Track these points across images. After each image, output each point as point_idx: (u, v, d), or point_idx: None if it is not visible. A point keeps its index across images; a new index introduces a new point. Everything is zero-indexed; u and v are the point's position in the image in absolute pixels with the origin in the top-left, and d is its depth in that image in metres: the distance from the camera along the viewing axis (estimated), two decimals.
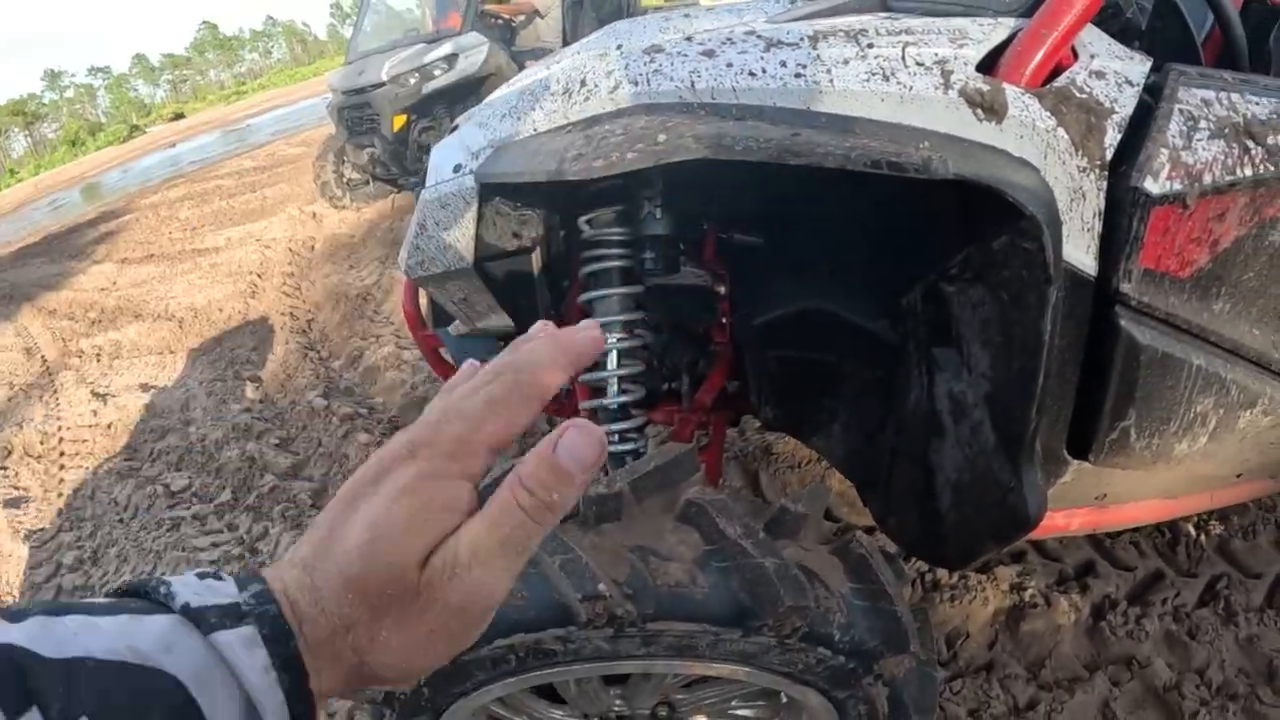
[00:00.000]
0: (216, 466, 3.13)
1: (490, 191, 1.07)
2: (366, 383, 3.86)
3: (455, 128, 1.29)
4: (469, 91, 5.73)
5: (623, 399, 1.23)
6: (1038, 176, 0.87)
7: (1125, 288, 1.00)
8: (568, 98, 1.02)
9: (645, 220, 1.18)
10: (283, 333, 4.57)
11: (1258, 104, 1.03)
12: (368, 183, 6.76)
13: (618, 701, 1.12)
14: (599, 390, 1.28)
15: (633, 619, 0.83)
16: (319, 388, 3.78)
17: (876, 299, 1.21)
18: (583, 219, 1.22)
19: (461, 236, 1.07)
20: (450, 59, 5.60)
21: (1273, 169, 1.01)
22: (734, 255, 1.40)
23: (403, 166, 6.08)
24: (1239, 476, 1.35)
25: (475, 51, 5.64)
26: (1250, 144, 1.01)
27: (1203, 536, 1.83)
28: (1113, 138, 0.97)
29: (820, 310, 1.28)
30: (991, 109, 0.94)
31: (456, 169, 1.07)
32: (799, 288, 1.30)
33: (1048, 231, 0.86)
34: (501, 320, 1.22)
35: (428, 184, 1.11)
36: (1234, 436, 1.20)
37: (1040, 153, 0.94)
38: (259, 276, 5.79)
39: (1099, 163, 0.96)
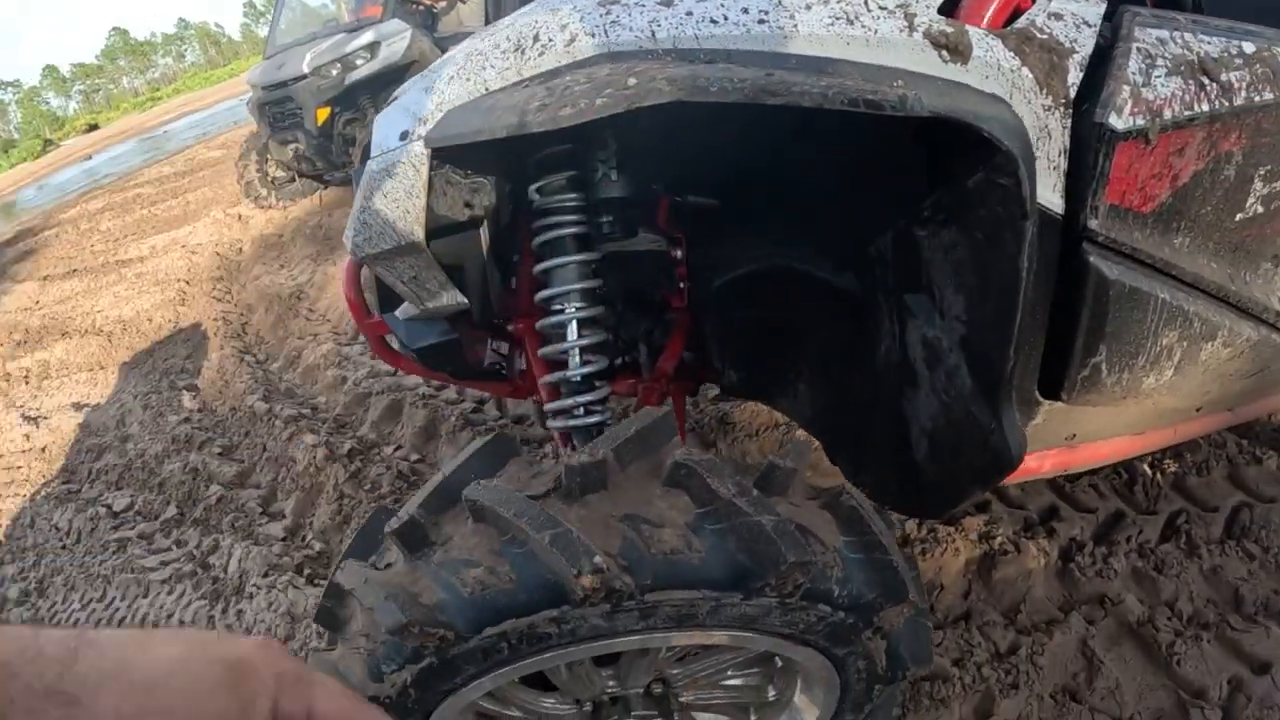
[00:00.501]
0: (159, 482, 2.98)
1: (441, 157, 1.02)
2: (307, 383, 3.74)
3: (395, 98, 1.23)
4: (393, 80, 5.54)
5: (586, 370, 1.19)
6: (1010, 111, 0.87)
7: (1092, 224, 1.01)
8: (520, 54, 0.97)
9: (599, 184, 1.14)
10: (216, 339, 4.39)
11: (1209, 42, 1.05)
12: (293, 180, 6.55)
13: (610, 682, 1.09)
14: (560, 363, 1.23)
15: (630, 591, 0.80)
16: (258, 391, 3.64)
17: (841, 252, 1.20)
18: (532, 188, 1.18)
19: (411, 208, 1.00)
20: (372, 47, 5.44)
21: (1227, 104, 1.03)
22: (688, 218, 1.37)
23: (329, 161, 5.90)
24: (1198, 410, 1.39)
25: (397, 39, 5.48)
26: (1205, 80, 1.03)
27: (1158, 475, 1.90)
28: (1075, 76, 0.97)
29: (783, 268, 1.27)
30: (956, 50, 0.93)
31: (403, 136, 1.00)
32: (760, 246, 1.28)
33: (1024, 166, 0.85)
34: (454, 298, 1.15)
35: (372, 155, 1.04)
36: (1197, 369, 1.23)
37: (1006, 93, 0.93)
38: (187, 283, 5.58)
39: (1063, 101, 0.97)
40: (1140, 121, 0.97)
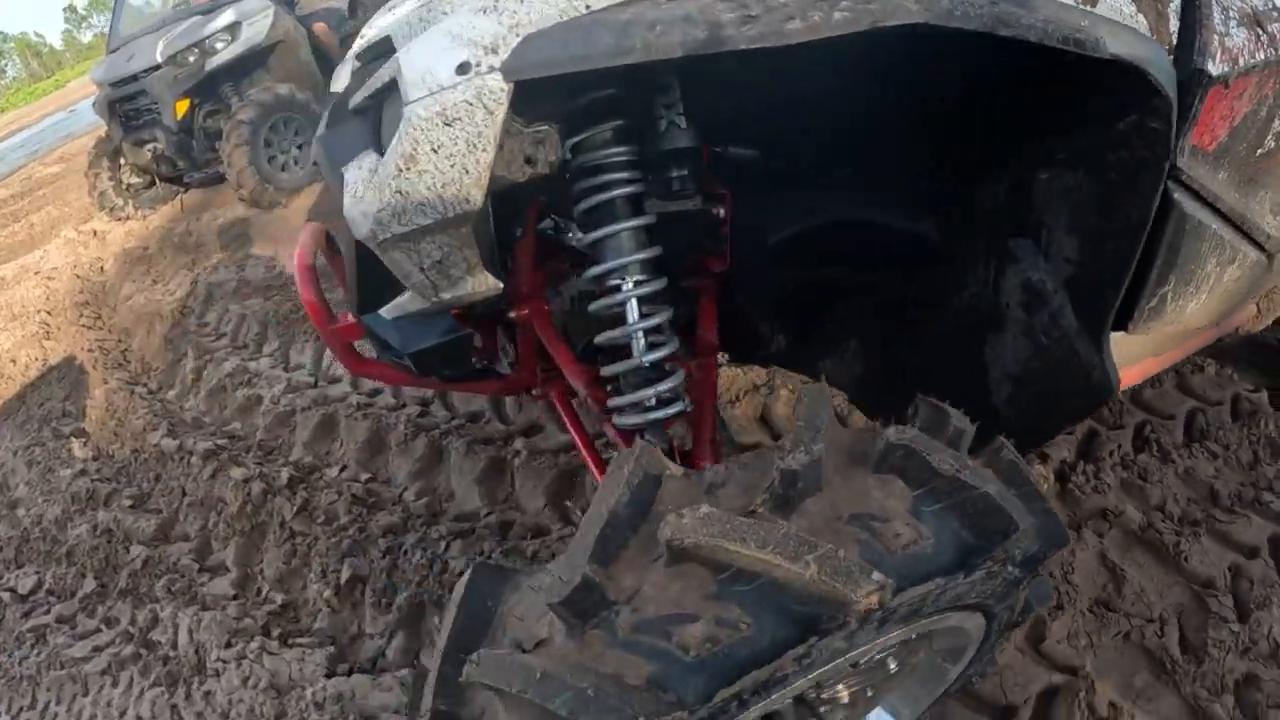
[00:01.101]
0: (66, 551, 2.48)
1: (520, 97, 0.77)
2: (215, 408, 3.26)
3: (421, 28, 0.96)
4: (256, 63, 4.97)
5: (655, 355, 1.02)
6: (1166, 56, 0.80)
7: (1180, 163, 1.01)
8: None
9: (666, 133, 0.96)
10: (96, 372, 3.76)
11: None
12: (151, 184, 5.74)
13: None
14: (622, 349, 1.05)
15: (887, 601, 0.68)
16: (161, 426, 3.13)
17: (921, 200, 1.12)
18: (569, 143, 0.99)
19: (474, 165, 0.77)
20: (233, 29, 4.79)
21: (1274, 53, 1.05)
22: (732, 173, 1.22)
23: (191, 159, 5.20)
24: (1199, 329, 1.44)
25: (260, 17, 4.85)
26: (1260, 31, 1.08)
27: None
28: (1174, 24, 0.96)
29: (847, 220, 1.16)
30: None
31: (462, 69, 0.75)
32: (822, 199, 1.17)
33: (1176, 109, 0.80)
34: (483, 283, 0.93)
35: (411, 98, 0.78)
36: (1219, 291, 1.28)
37: None
38: (49, 314, 4.79)
39: (1168, 47, 0.96)
40: (1225, 68, 0.98)
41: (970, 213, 1.09)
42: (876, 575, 0.66)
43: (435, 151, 0.76)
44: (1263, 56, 1.01)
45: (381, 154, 0.84)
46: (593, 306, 1.06)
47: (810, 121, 1.06)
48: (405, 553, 1.92)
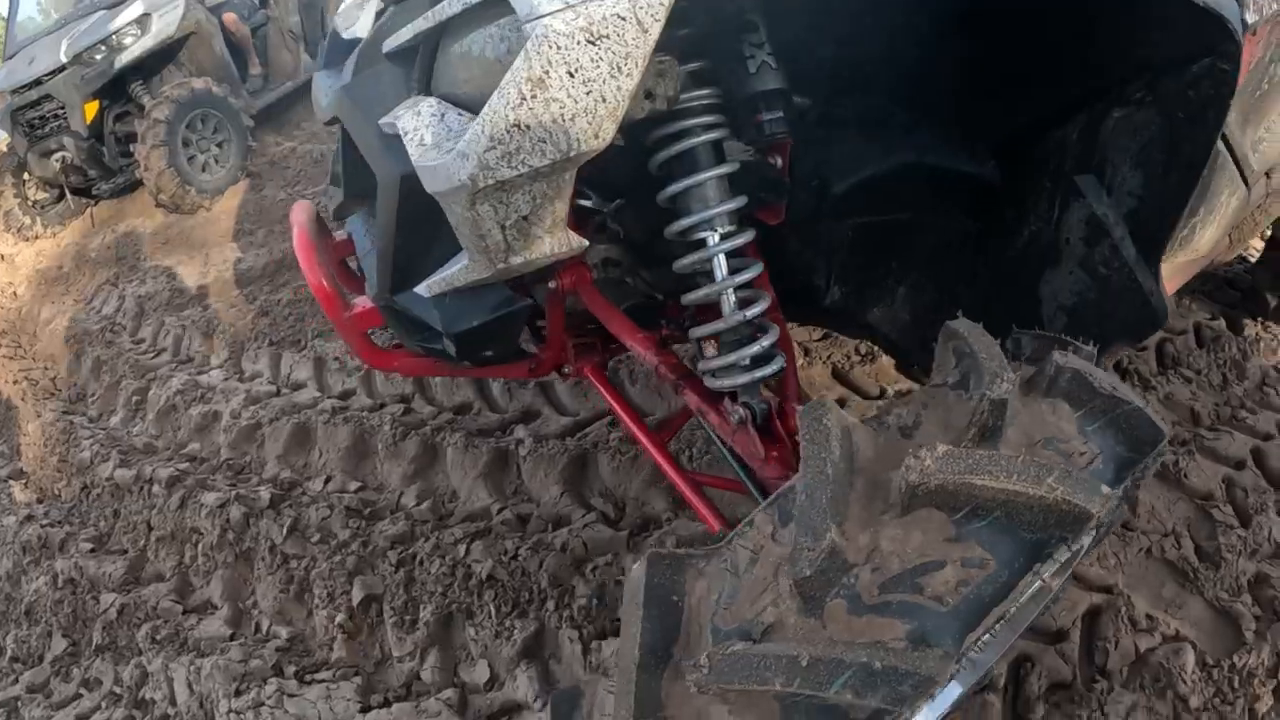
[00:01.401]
0: (24, 609, 2.24)
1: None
2: (168, 430, 3.01)
3: None
4: (168, 58, 4.56)
5: (749, 312, 0.96)
6: (1237, 5, 0.85)
7: None
8: None
9: (759, 73, 0.90)
10: (26, 405, 3.42)
11: None
12: (61, 198, 5.28)
13: None
14: (710, 309, 1.00)
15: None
16: (110, 457, 2.87)
17: (979, 143, 1.13)
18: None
19: (612, 93, 0.67)
20: (143, 21, 4.38)
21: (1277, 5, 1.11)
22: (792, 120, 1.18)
23: (104, 167, 4.78)
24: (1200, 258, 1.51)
25: (169, 8, 4.44)
26: None
27: None
28: None
29: (911, 165, 1.14)
30: None
31: None
32: (885, 146, 1.14)
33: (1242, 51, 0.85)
34: (563, 243, 0.83)
35: (543, 10, 0.66)
36: (1223, 222, 1.34)
37: None
38: None
39: None
40: (1255, 17, 1.01)
41: (1036, 153, 1.10)
42: (1105, 488, 0.66)
43: (571, 75, 0.66)
44: (1275, 7, 1.09)
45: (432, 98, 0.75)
46: (679, 264, 0.99)
47: (881, 67, 1.04)
48: (420, 563, 1.80)
